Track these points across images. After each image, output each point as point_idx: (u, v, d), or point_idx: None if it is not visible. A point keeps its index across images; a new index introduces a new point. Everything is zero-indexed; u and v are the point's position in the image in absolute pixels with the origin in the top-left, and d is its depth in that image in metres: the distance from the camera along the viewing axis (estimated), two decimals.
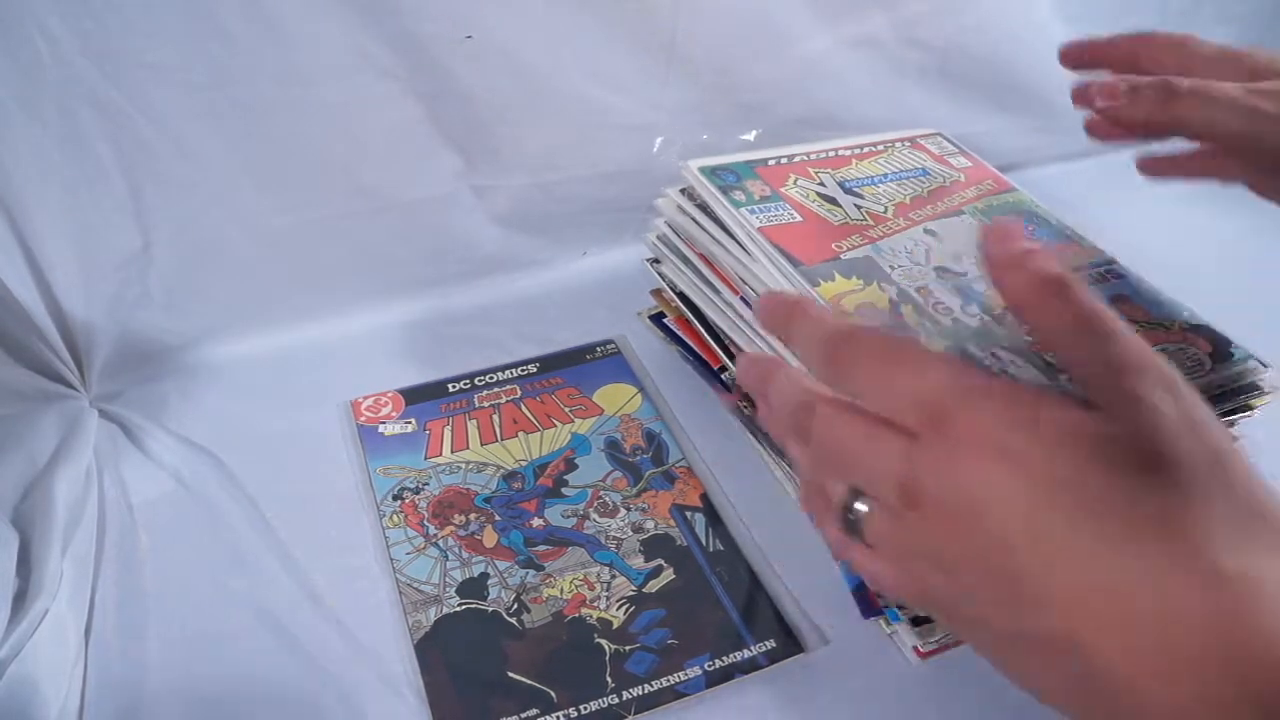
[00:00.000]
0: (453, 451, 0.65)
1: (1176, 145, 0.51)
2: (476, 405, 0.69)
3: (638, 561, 0.58)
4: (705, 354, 0.69)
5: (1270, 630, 0.25)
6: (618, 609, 0.55)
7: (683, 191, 0.66)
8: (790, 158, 0.67)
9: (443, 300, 0.78)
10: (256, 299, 0.73)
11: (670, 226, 0.68)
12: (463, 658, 0.53)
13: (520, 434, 0.67)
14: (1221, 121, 0.44)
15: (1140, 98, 0.45)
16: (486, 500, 0.62)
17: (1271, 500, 0.28)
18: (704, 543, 0.59)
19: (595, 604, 0.56)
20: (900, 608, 0.52)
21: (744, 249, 0.60)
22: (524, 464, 0.65)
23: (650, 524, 0.60)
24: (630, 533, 0.60)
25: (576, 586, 0.57)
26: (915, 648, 0.53)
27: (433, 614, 0.55)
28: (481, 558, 0.58)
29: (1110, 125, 0.47)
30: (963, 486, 0.30)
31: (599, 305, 0.78)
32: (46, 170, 0.61)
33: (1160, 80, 0.45)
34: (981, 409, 0.30)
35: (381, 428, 0.67)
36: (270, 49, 0.63)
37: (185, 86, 0.62)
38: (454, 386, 0.70)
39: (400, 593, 0.56)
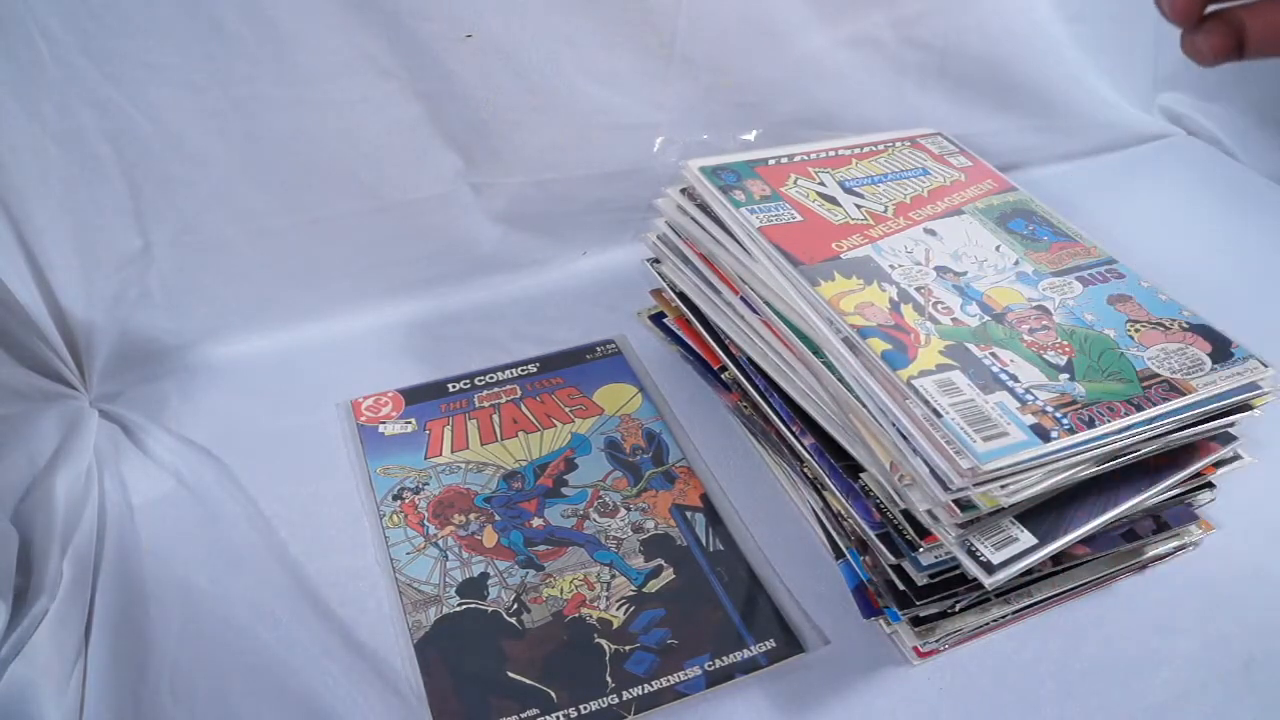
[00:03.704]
0: (453, 451, 0.65)
1: None
2: (476, 405, 0.69)
3: (638, 561, 0.58)
4: (705, 354, 0.69)
5: None
6: (618, 609, 0.55)
7: (683, 191, 0.66)
8: (790, 157, 0.67)
9: (443, 300, 0.78)
10: (256, 299, 0.73)
11: (670, 226, 0.68)
12: (463, 658, 0.53)
13: (520, 434, 0.67)
14: None
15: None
16: (486, 500, 0.62)
17: None
18: (704, 543, 0.59)
19: (595, 604, 0.56)
20: (902, 606, 0.52)
21: (744, 249, 0.60)
22: (524, 464, 0.65)
23: (650, 524, 0.60)
24: (630, 533, 0.60)
25: (576, 586, 0.57)
26: (915, 648, 0.53)
27: (433, 614, 0.55)
28: (481, 558, 0.58)
29: None
30: None
31: (599, 305, 0.78)
32: (46, 170, 0.61)
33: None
34: None
35: (381, 428, 0.67)
36: (270, 49, 0.63)
37: (185, 86, 0.63)
38: (454, 386, 0.70)
39: (400, 593, 0.56)
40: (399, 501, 0.62)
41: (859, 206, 0.64)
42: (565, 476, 0.64)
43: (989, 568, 0.48)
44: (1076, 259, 0.62)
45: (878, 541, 0.52)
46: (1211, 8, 0.37)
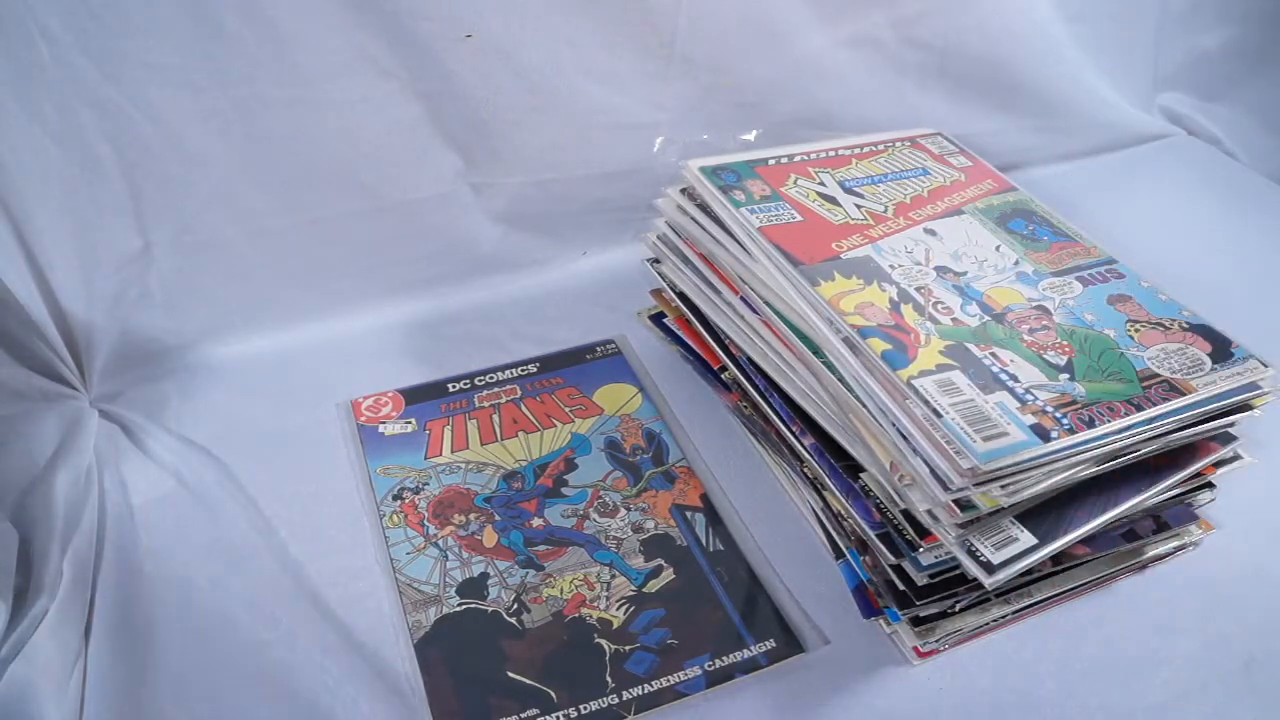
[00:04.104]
0: (453, 451, 0.65)
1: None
2: (476, 405, 0.69)
3: (638, 561, 0.58)
4: (705, 354, 0.69)
5: None
6: (618, 609, 0.55)
7: (683, 191, 0.66)
8: (790, 157, 0.67)
9: (443, 300, 0.78)
10: (256, 299, 0.73)
11: (670, 226, 0.68)
12: (463, 658, 0.53)
13: (520, 434, 0.67)
14: None
15: None
16: (486, 500, 0.62)
17: None
18: (704, 543, 0.59)
19: (595, 604, 0.56)
20: (902, 606, 0.52)
21: (744, 249, 0.60)
22: (524, 464, 0.65)
23: (650, 524, 0.60)
24: (630, 532, 0.60)
25: (576, 586, 0.57)
26: (915, 648, 0.53)
27: (433, 614, 0.55)
28: (481, 558, 0.58)
29: None
30: None
31: (599, 305, 0.78)
32: (46, 170, 0.61)
33: None
34: None
35: (381, 428, 0.67)
36: (270, 49, 0.63)
37: (185, 86, 0.63)
38: (454, 386, 0.70)
39: (400, 593, 0.56)
40: (399, 501, 0.62)
41: (859, 206, 0.64)
42: (565, 476, 0.64)
43: (989, 568, 0.48)
44: (1076, 259, 0.62)
45: (878, 541, 0.52)
46: None
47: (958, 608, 0.53)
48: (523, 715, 0.50)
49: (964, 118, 0.88)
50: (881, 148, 0.71)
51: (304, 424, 0.67)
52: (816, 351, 0.55)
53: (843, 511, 0.55)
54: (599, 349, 0.74)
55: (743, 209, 0.61)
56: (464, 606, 0.55)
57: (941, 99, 0.88)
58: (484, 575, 0.57)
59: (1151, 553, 0.57)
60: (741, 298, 0.61)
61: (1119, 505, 0.52)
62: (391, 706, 0.51)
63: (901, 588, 0.51)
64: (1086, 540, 0.53)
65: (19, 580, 0.53)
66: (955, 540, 0.48)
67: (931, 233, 0.62)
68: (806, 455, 0.58)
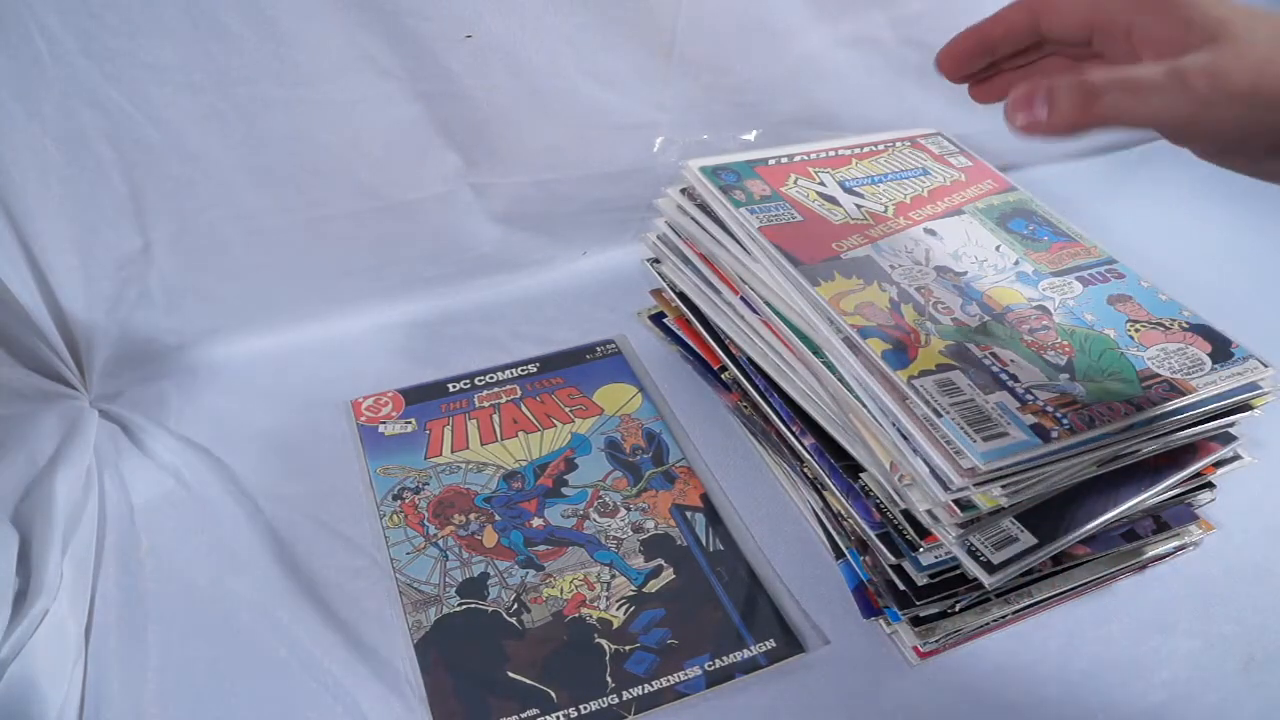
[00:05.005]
0: (453, 451, 0.65)
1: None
2: (476, 405, 0.69)
3: (638, 561, 0.58)
4: (705, 354, 0.69)
5: None
6: (618, 609, 0.55)
7: (683, 191, 0.66)
8: (790, 157, 0.67)
9: (443, 300, 0.78)
10: (256, 299, 0.73)
11: (670, 226, 0.68)
12: (463, 658, 0.53)
13: (520, 434, 0.67)
14: (1152, 114, 0.39)
15: (1058, 106, 0.39)
16: (486, 500, 0.62)
17: None
18: (704, 543, 0.59)
19: (595, 604, 0.56)
20: (902, 606, 0.52)
21: (744, 249, 0.60)
22: (524, 464, 0.65)
23: (650, 524, 0.60)
24: (630, 532, 0.60)
25: (576, 586, 0.57)
26: (915, 648, 0.53)
27: (433, 614, 0.55)
28: (481, 558, 0.58)
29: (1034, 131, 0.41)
30: None
31: (599, 305, 0.78)
32: (46, 170, 0.61)
33: (1074, 81, 0.39)
34: None
35: (381, 428, 0.67)
36: (270, 49, 0.63)
37: (185, 86, 0.62)
38: (454, 386, 0.70)
39: (400, 593, 0.56)
40: (399, 501, 0.62)
41: (859, 206, 0.64)
42: (565, 476, 0.64)
43: (989, 568, 0.48)
44: (1076, 259, 0.62)
45: (878, 541, 0.52)
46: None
47: (958, 608, 0.53)
48: (523, 715, 0.50)
49: (964, 118, 0.87)
50: (881, 148, 0.71)
51: (304, 424, 0.67)
52: (816, 351, 0.55)
53: (843, 511, 0.55)
54: (599, 349, 0.74)
55: (743, 209, 0.61)
56: (464, 606, 0.55)
57: (941, 99, 0.88)
58: (484, 575, 0.57)
59: (1151, 553, 0.57)
60: (741, 298, 0.61)
61: (1119, 505, 0.52)
62: (391, 707, 0.51)
63: (901, 588, 0.51)
64: (1086, 540, 0.53)
65: (19, 580, 0.53)
66: (955, 540, 0.48)
67: (931, 233, 0.62)
68: (806, 455, 0.58)
